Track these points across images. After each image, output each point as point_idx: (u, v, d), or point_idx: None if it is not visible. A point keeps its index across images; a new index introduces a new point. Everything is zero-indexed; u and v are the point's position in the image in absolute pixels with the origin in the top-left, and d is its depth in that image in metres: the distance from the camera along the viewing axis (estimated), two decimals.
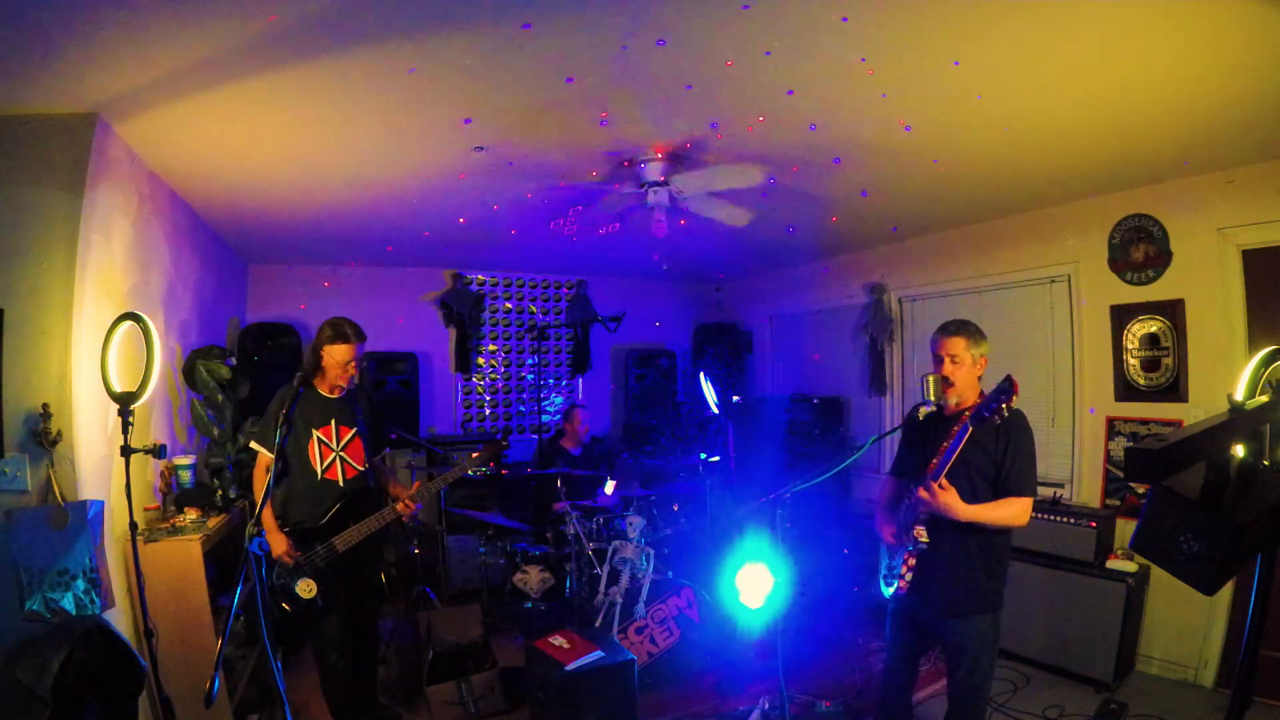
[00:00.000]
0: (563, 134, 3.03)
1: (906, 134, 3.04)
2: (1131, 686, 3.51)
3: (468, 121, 2.84)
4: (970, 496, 2.28)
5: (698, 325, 7.29)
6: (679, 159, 3.29)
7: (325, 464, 2.96)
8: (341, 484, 2.97)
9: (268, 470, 2.90)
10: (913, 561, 2.36)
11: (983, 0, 2.00)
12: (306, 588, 2.78)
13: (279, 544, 2.80)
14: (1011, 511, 2.29)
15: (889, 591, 2.47)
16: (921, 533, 2.31)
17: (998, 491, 2.32)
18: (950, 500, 2.22)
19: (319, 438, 2.96)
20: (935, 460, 2.29)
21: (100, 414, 2.67)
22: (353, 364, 2.96)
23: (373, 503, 3.05)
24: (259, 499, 2.98)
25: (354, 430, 3.03)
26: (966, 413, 2.35)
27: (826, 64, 2.40)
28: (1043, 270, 4.38)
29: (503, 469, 5.61)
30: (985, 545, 2.34)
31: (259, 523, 2.17)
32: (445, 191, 3.84)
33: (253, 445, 3.00)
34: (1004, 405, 2.08)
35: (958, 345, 2.39)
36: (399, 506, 2.99)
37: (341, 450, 3.00)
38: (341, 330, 2.92)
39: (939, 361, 2.41)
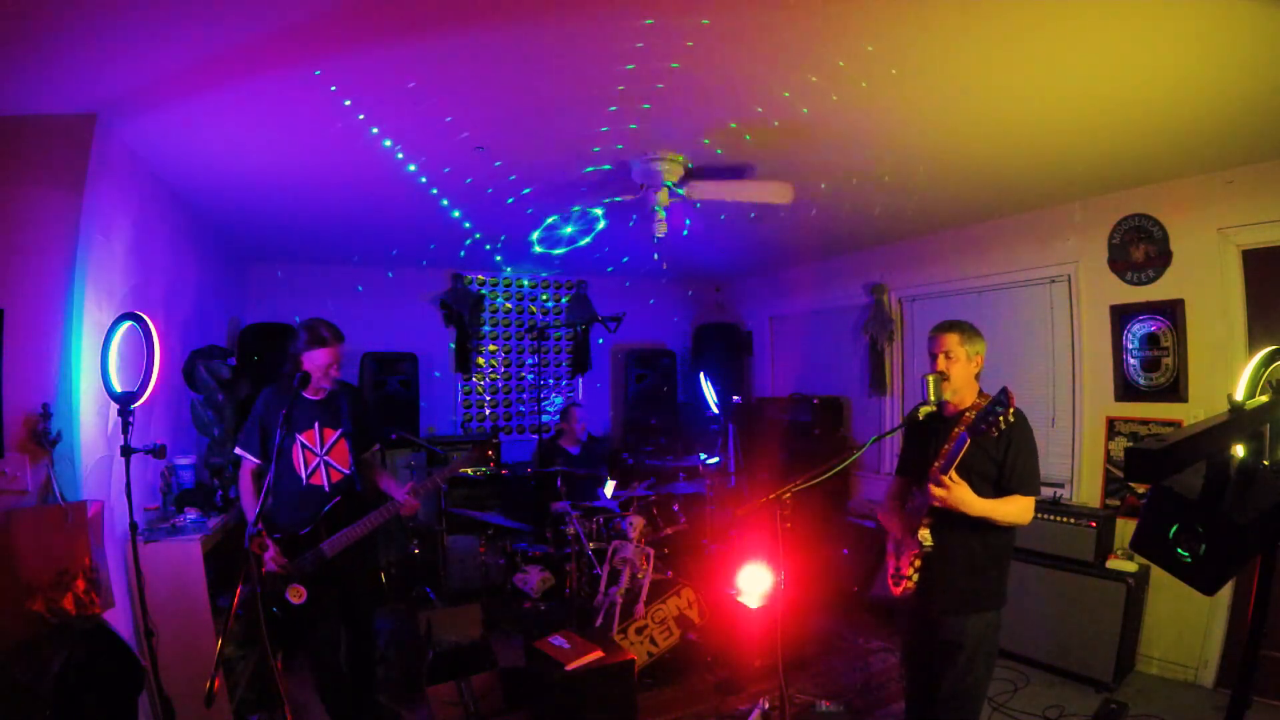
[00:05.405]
0: (565, 134, 3.03)
1: (906, 134, 3.04)
2: (1131, 686, 3.50)
3: (468, 121, 2.84)
4: None
5: (698, 325, 7.29)
6: (690, 170, 3.29)
7: (310, 469, 2.90)
8: (327, 489, 2.91)
9: (253, 476, 2.87)
10: (918, 563, 2.36)
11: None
12: (296, 594, 2.75)
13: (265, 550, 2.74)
14: (1018, 508, 2.31)
15: (897, 591, 2.47)
16: (926, 535, 2.31)
17: (1000, 491, 2.33)
18: (962, 494, 2.23)
19: (302, 442, 2.90)
20: (939, 461, 2.30)
21: (100, 414, 2.68)
22: (334, 366, 2.91)
23: (360, 505, 2.98)
24: (245, 507, 2.92)
25: (339, 432, 2.97)
26: (968, 412, 2.35)
27: (827, 64, 2.40)
28: (1043, 270, 4.37)
29: (503, 469, 5.61)
30: (989, 543, 2.34)
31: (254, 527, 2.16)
32: (445, 190, 3.84)
33: (237, 450, 2.94)
34: (1000, 419, 2.09)
35: (951, 341, 2.42)
36: (403, 510, 2.93)
37: (326, 454, 2.94)
38: (318, 334, 2.86)
39: (933, 358, 2.45)
